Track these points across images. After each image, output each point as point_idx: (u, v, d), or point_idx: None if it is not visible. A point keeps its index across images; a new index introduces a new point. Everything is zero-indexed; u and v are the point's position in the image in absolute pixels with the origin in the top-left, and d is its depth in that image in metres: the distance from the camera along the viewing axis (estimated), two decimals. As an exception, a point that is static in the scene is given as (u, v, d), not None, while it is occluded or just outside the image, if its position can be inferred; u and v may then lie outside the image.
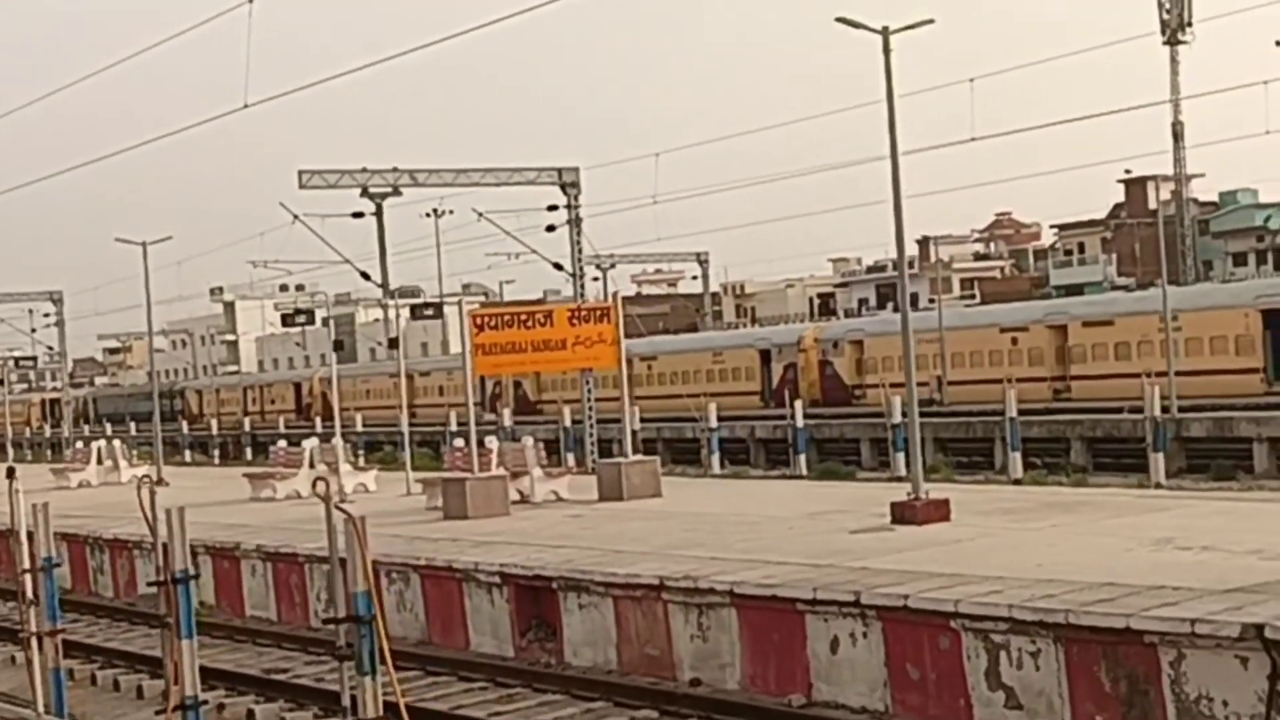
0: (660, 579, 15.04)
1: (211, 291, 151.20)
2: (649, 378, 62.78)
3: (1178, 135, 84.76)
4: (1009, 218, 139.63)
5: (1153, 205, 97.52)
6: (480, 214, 48.65)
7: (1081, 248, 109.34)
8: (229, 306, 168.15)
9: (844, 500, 20.87)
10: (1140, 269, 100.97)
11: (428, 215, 60.57)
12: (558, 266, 49.97)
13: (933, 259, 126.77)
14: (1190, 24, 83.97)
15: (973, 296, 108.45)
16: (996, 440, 37.18)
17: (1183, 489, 25.27)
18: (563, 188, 47.49)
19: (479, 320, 22.53)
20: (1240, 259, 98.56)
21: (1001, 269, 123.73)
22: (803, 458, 33.68)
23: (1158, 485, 27.33)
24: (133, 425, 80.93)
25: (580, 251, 47.45)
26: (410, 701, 11.56)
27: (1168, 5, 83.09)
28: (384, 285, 46.31)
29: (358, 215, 46.73)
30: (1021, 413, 38.17)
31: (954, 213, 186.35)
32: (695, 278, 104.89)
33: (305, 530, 20.36)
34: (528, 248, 53.37)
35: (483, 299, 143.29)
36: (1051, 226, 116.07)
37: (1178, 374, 43.30)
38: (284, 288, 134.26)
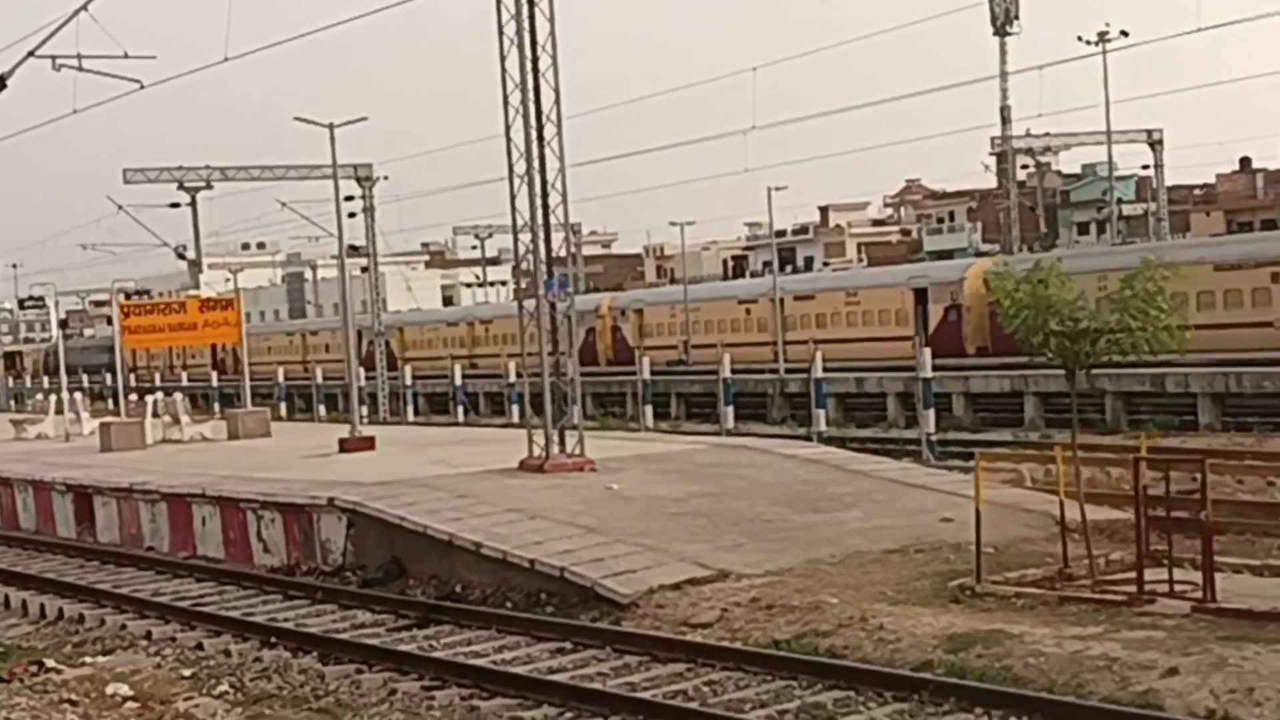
0: (130, 485, 24.06)
1: (177, 250, 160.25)
2: (487, 339, 71.94)
3: (1006, 118, 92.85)
4: (917, 184, 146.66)
5: (1022, 177, 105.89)
6: (284, 203, 57.55)
7: (952, 216, 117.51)
8: (193, 264, 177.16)
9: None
10: (1003, 236, 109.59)
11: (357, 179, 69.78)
12: (354, 249, 59.01)
13: (830, 225, 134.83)
14: (1018, 16, 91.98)
15: (863, 260, 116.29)
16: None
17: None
18: (358, 181, 56.52)
19: (125, 309, 31.61)
20: (1084, 229, 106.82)
21: (906, 231, 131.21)
22: (460, 408, 42.84)
23: (728, 432, 36.58)
24: (85, 377, 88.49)
25: (374, 235, 56.49)
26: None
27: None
28: (196, 263, 55.27)
29: (174, 206, 55.82)
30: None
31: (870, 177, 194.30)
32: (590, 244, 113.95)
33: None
34: (325, 230, 62.43)
35: (426, 259, 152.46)
36: (926, 198, 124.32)
37: (862, 340, 52.30)
38: (245, 245, 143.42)
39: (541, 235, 21.35)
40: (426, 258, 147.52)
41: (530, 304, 21.87)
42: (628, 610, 15.27)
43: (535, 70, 21.26)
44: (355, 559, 19.69)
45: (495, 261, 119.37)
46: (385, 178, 68.96)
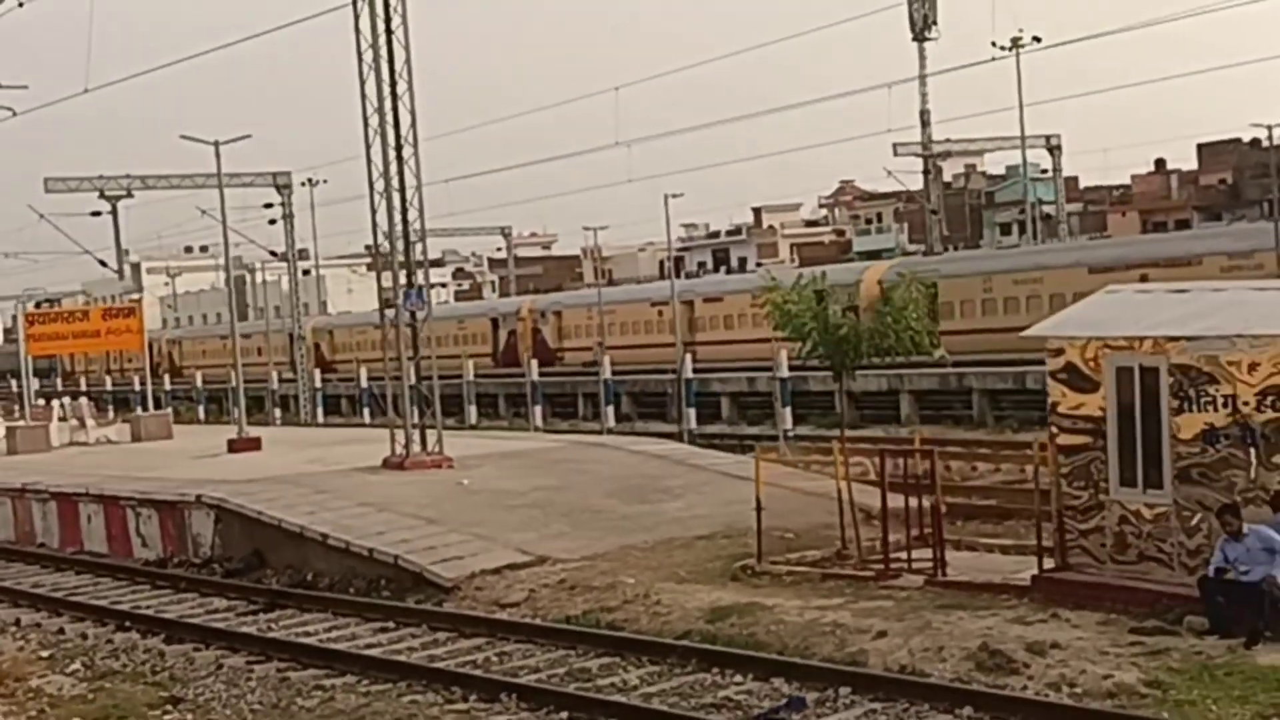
0: (23, 485, 25.40)
1: (100, 260, 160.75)
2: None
3: (926, 121, 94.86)
4: (851, 185, 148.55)
5: (948, 178, 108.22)
6: (203, 211, 58.62)
7: (880, 217, 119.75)
8: (135, 268, 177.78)
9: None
10: (927, 236, 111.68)
11: (303, 184, 71.02)
12: (273, 254, 60.27)
13: (764, 226, 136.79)
14: (935, 22, 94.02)
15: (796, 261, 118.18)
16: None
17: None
18: (277, 189, 57.76)
19: (30, 318, 32.94)
20: (1006, 229, 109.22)
21: (840, 231, 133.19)
22: (367, 411, 44.24)
23: (608, 431, 38.04)
24: (13, 382, 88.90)
25: (293, 241, 57.81)
26: None
27: (916, 4, 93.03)
28: (119, 271, 56.46)
29: (95, 214, 57.00)
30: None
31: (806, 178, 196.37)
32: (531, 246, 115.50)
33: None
34: (245, 237, 63.62)
35: (369, 261, 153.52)
36: (857, 199, 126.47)
37: (767, 340, 53.75)
38: (188, 249, 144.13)
39: (401, 249, 22.83)
40: (369, 260, 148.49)
41: (390, 312, 23.33)
42: (451, 593, 16.79)
43: (394, 94, 22.73)
44: (222, 551, 21.13)
45: (439, 263, 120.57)
46: (325, 181, 70.16)
